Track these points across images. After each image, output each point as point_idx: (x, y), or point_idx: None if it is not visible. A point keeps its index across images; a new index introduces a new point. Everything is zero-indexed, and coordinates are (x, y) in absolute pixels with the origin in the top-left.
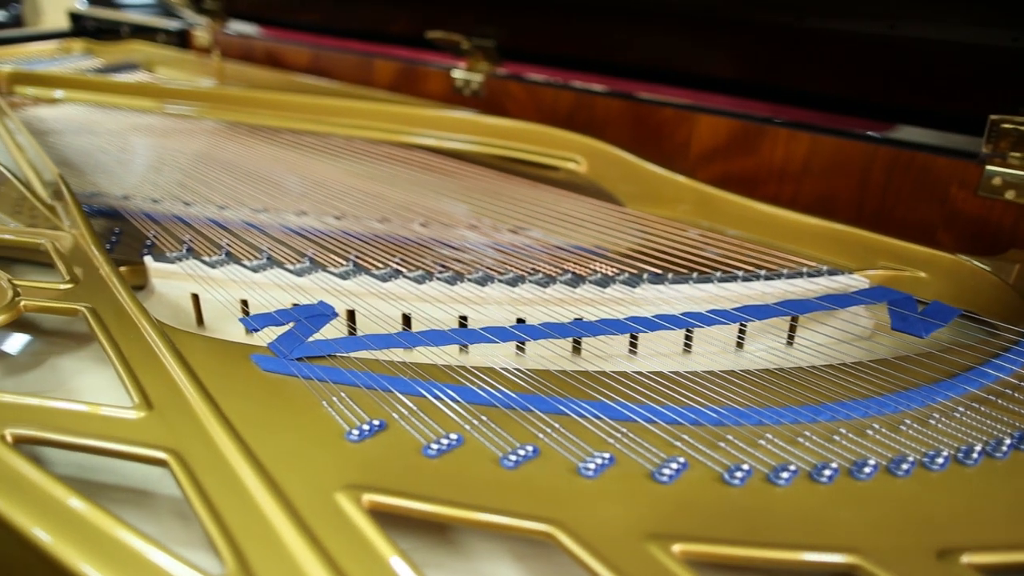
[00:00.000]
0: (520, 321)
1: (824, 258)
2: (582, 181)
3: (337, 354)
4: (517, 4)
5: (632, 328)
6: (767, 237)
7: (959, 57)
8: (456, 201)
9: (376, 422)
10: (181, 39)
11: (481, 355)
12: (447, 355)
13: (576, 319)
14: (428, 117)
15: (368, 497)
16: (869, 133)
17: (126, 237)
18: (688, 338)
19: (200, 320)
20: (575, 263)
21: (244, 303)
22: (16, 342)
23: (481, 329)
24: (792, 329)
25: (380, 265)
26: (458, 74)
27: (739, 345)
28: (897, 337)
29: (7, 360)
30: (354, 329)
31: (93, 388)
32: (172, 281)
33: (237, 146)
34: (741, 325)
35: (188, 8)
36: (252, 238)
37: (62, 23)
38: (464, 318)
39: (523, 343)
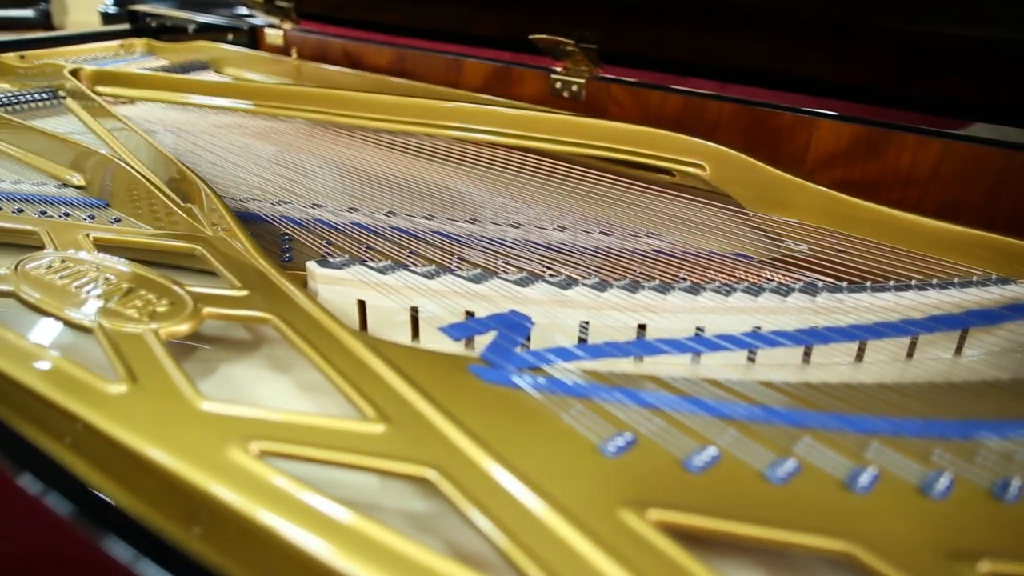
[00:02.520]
0: (700, 330)
1: (967, 266)
2: (700, 184)
3: (556, 364)
4: (619, 7)
5: (859, 336)
6: (903, 244)
7: None
8: (589, 206)
9: (628, 435)
10: (251, 38)
11: (654, 363)
12: (622, 364)
13: (754, 328)
14: (548, 120)
15: (655, 513)
16: (1006, 140)
17: (259, 240)
18: (861, 347)
19: (363, 327)
20: (732, 270)
21: (414, 310)
22: (184, 350)
23: (685, 339)
24: (962, 339)
25: (553, 272)
26: (558, 76)
27: (909, 355)
28: None
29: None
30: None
31: (274, 396)
32: (337, 287)
33: (343, 148)
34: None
35: (258, 8)
36: (396, 241)
37: (87, 20)
38: (643, 326)
39: (699, 353)
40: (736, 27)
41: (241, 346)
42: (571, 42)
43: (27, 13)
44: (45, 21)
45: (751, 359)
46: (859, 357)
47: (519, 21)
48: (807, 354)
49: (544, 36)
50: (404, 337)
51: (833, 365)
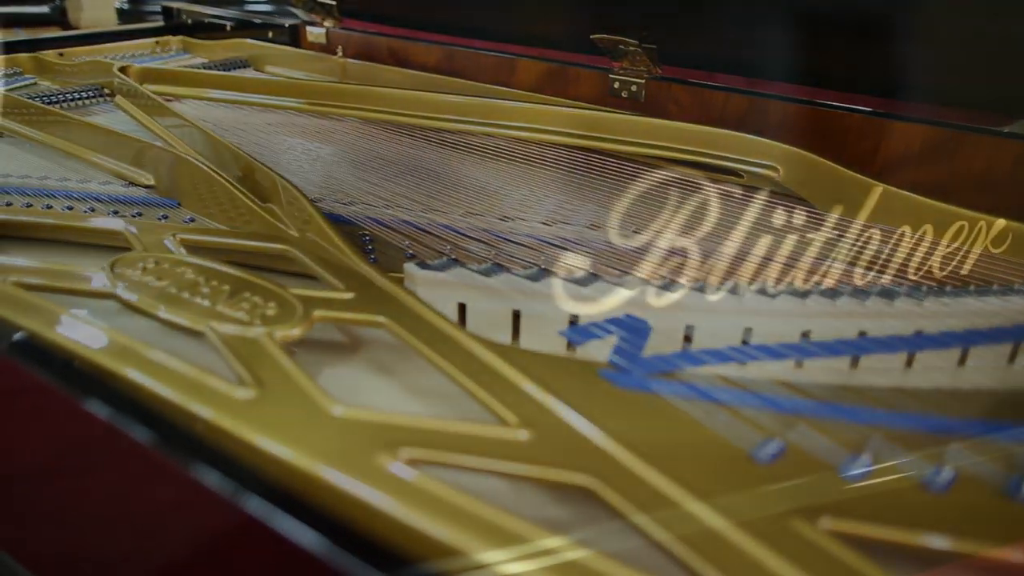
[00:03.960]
0: (805, 334)
1: None
2: (769, 186)
3: (686, 368)
4: (683, 7)
5: (974, 340)
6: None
7: None
8: (663, 209)
9: (778, 442)
10: (292, 36)
11: (759, 369)
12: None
13: (861, 332)
14: (617, 121)
15: (828, 522)
16: None
17: None
18: (964, 352)
19: None
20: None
21: (516, 313)
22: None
23: (807, 342)
24: None
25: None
26: (616, 76)
27: (1011, 360)
28: None
29: None
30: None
31: (385, 401)
32: (436, 290)
33: (404, 148)
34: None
35: (300, 5)
36: (484, 242)
37: (102, 16)
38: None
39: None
40: (800, 30)
41: (339, 349)
42: (633, 42)
43: (43, 10)
44: (61, 18)
45: (854, 364)
46: (962, 362)
47: (576, 20)
48: (910, 359)
49: (604, 36)
50: (504, 341)
51: (936, 369)
